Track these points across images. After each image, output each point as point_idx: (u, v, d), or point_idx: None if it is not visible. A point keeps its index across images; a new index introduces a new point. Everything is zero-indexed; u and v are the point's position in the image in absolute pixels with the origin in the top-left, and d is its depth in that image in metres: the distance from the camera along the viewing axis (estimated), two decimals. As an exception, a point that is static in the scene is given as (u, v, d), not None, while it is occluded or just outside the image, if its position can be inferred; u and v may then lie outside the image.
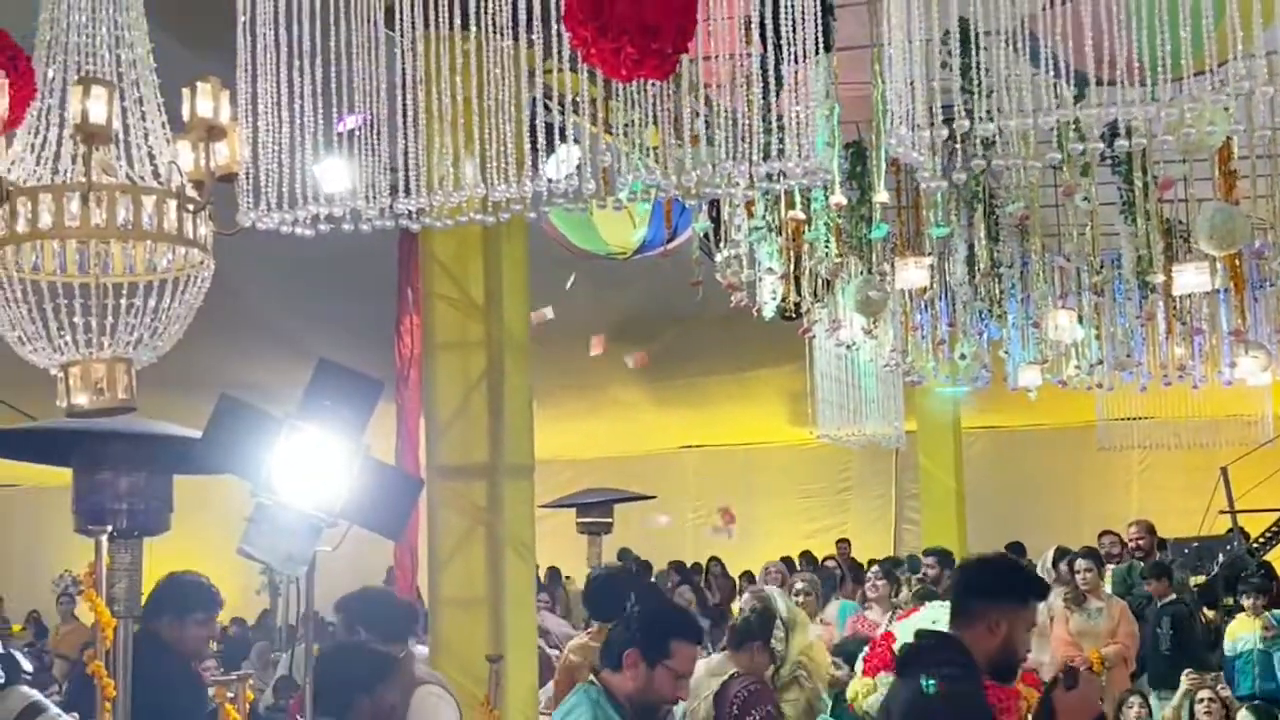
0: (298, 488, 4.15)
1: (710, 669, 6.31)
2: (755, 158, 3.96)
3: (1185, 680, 8.99)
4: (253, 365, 12.15)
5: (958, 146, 3.83)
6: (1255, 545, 12.10)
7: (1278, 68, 5.33)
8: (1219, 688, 8.88)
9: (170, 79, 4.27)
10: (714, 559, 15.62)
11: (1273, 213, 7.98)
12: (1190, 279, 7.84)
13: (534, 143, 4.37)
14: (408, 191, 4.30)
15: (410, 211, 4.35)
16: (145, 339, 4.23)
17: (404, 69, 4.31)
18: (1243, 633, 10.07)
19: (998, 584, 4.32)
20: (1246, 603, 10.21)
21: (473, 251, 6.50)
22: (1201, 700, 8.68)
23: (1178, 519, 12.46)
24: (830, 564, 14.06)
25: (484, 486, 6.59)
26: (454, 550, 6.62)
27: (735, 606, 10.41)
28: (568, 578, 14.76)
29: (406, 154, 4.28)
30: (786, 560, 13.41)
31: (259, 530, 4.20)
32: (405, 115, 4.30)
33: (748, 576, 14.52)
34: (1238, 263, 8.59)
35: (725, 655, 6.36)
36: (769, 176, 4.30)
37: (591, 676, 4.18)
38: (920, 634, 4.59)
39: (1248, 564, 11.22)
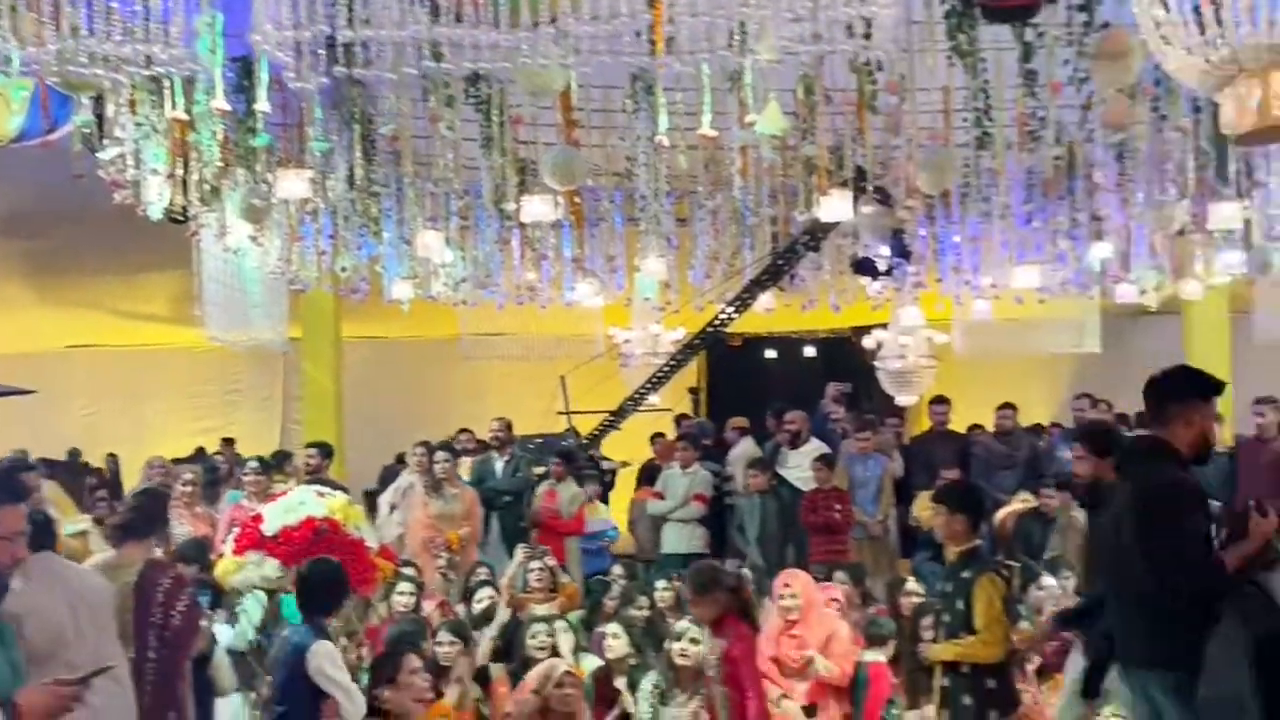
0: None
1: (109, 562, 5.85)
2: (117, 39, 3.64)
3: (519, 552, 9.47)
4: None
5: (322, 52, 3.74)
6: (586, 440, 13.06)
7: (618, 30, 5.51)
8: (546, 559, 9.43)
9: None
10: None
11: (605, 159, 8.55)
12: (536, 209, 8.25)
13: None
14: None
15: None
16: None
17: None
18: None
19: (1186, 387, 4.69)
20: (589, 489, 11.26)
21: None
22: (533, 570, 9.17)
23: (526, 419, 13.14)
24: (218, 458, 13.63)
25: None
26: None
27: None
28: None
29: None
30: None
31: None
32: None
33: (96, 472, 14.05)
34: (577, 200, 9.16)
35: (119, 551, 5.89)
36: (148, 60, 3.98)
37: None
38: (1137, 439, 5.06)
39: (578, 455, 12.09)
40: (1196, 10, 4.01)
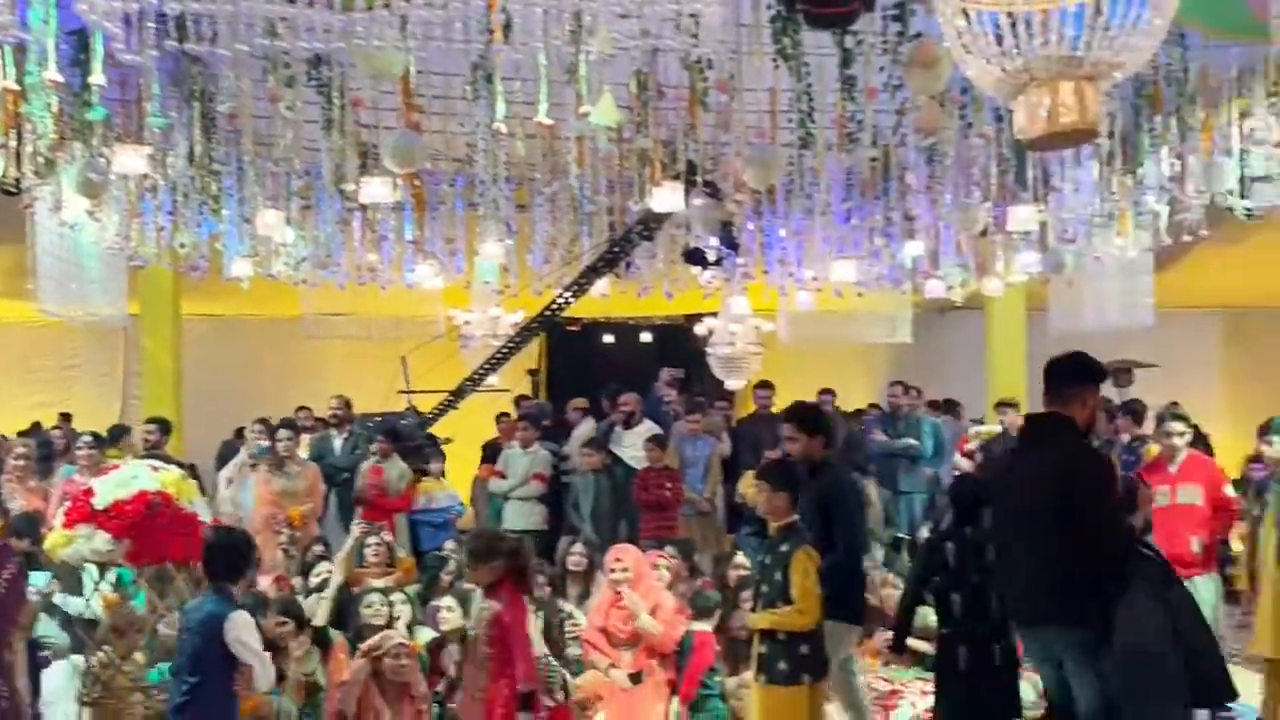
0: None
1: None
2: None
3: (356, 528, 9.30)
4: None
5: (152, 25, 3.58)
6: (427, 418, 12.87)
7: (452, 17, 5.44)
8: (383, 534, 9.30)
9: None
10: None
11: (445, 144, 8.42)
12: (376, 191, 8.08)
13: None
14: None
15: None
16: None
17: None
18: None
19: (1083, 372, 4.93)
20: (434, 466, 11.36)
21: None
22: (369, 545, 9.02)
23: (368, 398, 12.90)
24: (55, 433, 13.02)
25: None
26: None
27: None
28: None
29: None
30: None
31: None
32: None
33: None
34: (418, 183, 8.99)
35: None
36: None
37: None
38: (1044, 415, 5.04)
39: (416, 433, 11.91)
40: (995, 23, 4.13)
